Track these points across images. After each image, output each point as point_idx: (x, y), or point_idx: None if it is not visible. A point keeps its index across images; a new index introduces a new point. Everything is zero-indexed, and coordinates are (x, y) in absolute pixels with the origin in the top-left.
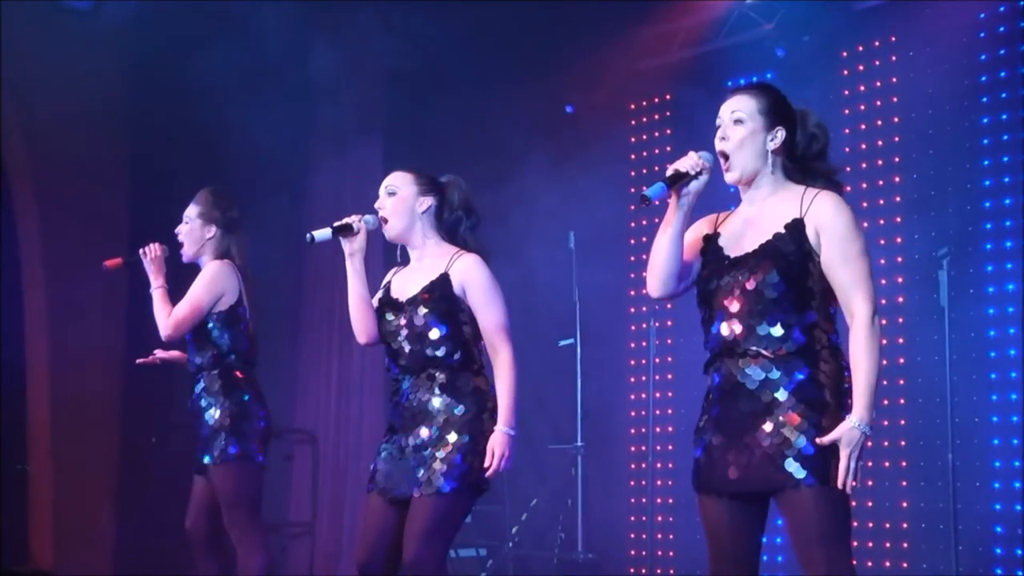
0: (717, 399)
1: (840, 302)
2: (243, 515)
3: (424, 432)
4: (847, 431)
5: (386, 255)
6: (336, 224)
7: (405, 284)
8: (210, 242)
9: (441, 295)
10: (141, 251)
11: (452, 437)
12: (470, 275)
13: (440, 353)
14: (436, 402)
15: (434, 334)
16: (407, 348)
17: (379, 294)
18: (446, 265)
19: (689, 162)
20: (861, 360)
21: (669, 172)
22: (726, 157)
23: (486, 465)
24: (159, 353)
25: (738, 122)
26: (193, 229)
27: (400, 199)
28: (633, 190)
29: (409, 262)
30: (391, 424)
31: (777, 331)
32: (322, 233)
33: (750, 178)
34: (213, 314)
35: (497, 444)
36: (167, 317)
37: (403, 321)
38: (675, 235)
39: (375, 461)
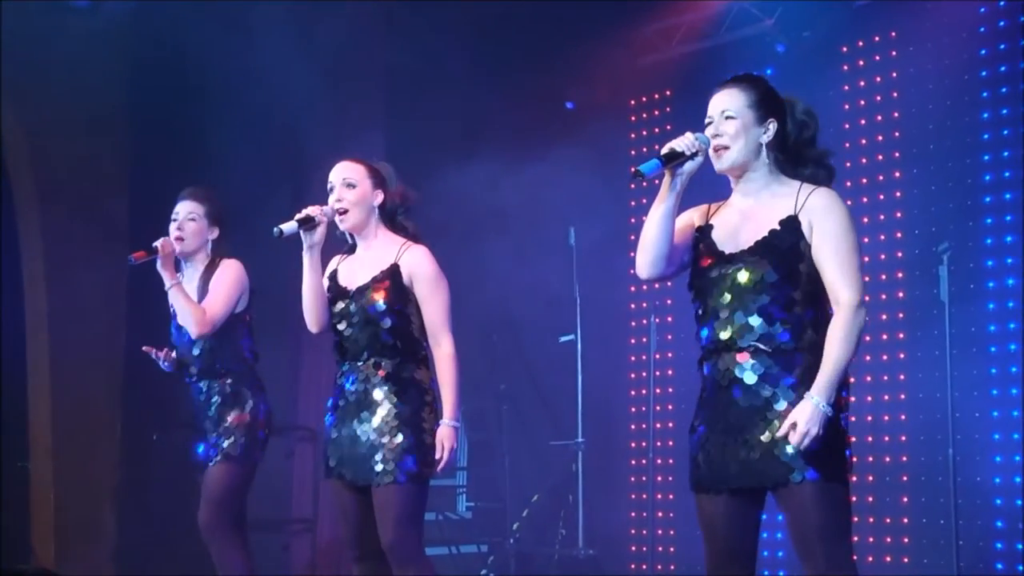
0: (712, 394)
1: (828, 292)
2: (227, 514)
3: (370, 423)
4: (802, 405)
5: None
6: (298, 217)
7: (353, 272)
8: (212, 241)
9: (392, 285)
10: (156, 245)
11: (398, 437)
12: (419, 267)
13: (387, 342)
14: (379, 392)
15: (383, 323)
16: (355, 335)
17: (325, 283)
18: (396, 255)
19: (685, 142)
20: (834, 342)
21: (664, 150)
22: (719, 149)
23: (437, 457)
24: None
25: (729, 118)
26: (201, 228)
27: (360, 193)
28: (632, 168)
29: (355, 250)
30: (335, 403)
31: (775, 328)
32: (289, 226)
33: (741, 169)
34: (234, 315)
35: (445, 438)
36: (202, 314)
37: (353, 309)
38: (666, 215)
39: (326, 445)
